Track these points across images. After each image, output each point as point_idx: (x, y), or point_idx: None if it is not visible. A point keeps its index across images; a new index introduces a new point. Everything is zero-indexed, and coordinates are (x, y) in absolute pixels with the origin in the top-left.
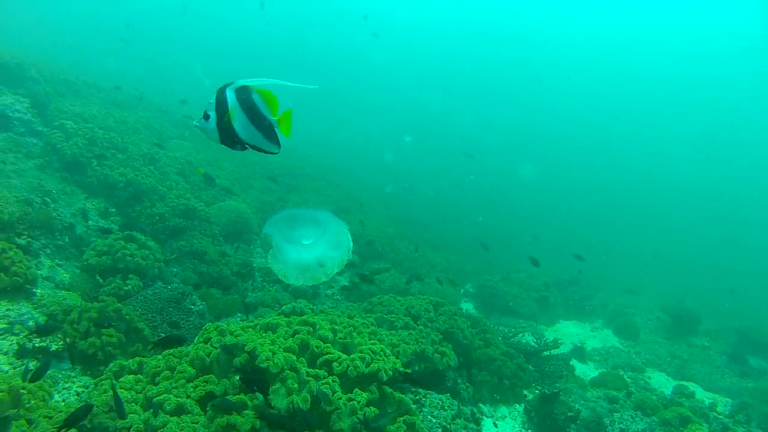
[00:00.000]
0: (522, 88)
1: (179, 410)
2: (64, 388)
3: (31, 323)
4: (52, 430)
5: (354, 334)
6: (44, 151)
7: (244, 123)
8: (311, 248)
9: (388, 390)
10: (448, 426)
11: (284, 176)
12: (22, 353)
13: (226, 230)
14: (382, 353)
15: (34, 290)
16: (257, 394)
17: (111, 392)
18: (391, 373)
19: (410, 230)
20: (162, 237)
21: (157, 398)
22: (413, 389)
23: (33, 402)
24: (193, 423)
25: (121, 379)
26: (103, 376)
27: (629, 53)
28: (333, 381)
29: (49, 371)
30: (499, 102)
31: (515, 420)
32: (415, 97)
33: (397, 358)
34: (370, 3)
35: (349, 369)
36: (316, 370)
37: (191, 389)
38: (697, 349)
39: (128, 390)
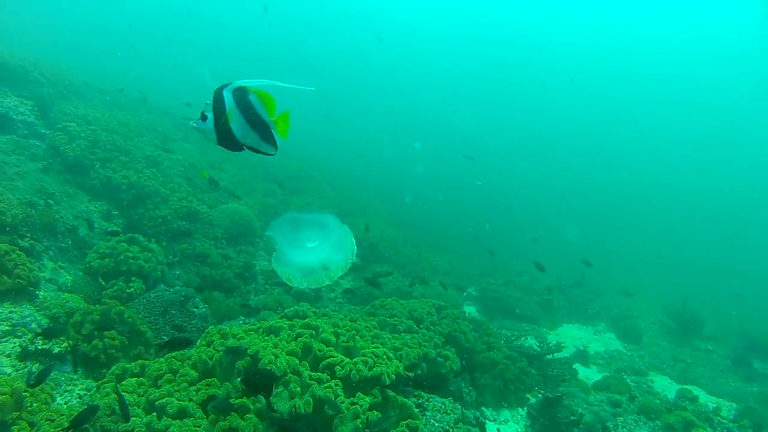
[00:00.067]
0: (522, 88)
1: (181, 413)
2: (66, 391)
3: (33, 326)
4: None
5: (357, 337)
6: (47, 153)
7: (242, 124)
8: (315, 251)
9: (391, 394)
10: (451, 430)
11: (287, 179)
12: (24, 356)
13: (228, 233)
14: (384, 357)
15: (37, 292)
16: (260, 397)
17: (113, 395)
18: (393, 376)
19: (413, 233)
20: (165, 240)
21: (160, 401)
22: (416, 393)
23: (35, 405)
24: (195, 426)
25: (124, 382)
26: (105, 379)
27: (629, 53)
28: (335, 385)
29: (51, 374)
30: (499, 102)
31: (518, 424)
32: (416, 97)
33: (399, 361)
34: (371, 3)
35: (352, 373)
36: (319, 374)
37: (194, 392)
38: (700, 352)
39: (130, 393)
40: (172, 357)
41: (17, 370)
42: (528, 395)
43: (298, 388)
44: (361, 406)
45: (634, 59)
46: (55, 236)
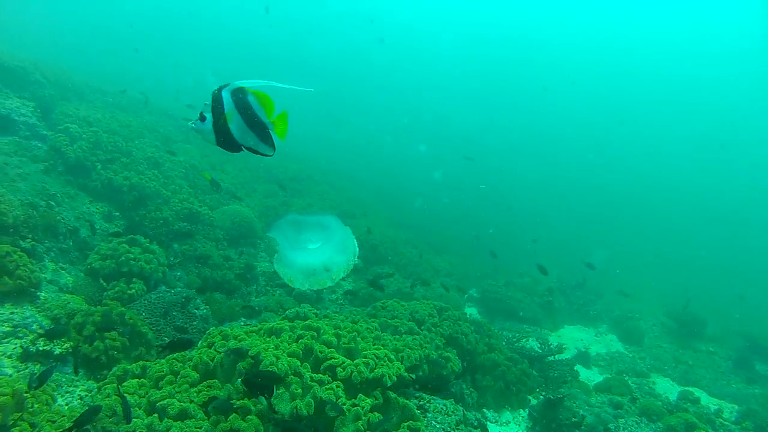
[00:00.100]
0: (522, 88)
1: (183, 415)
2: (67, 392)
3: (35, 327)
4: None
5: (358, 339)
6: (49, 154)
7: (240, 125)
8: (317, 253)
9: (392, 395)
10: (452, 431)
11: (287, 180)
12: (25, 357)
13: (229, 234)
14: (386, 358)
15: (38, 294)
16: (261, 398)
17: (114, 396)
18: (395, 378)
19: (413, 234)
20: (166, 241)
21: (161, 403)
22: (417, 394)
23: (36, 406)
24: (196, 428)
25: (125, 384)
26: (106, 380)
27: (629, 53)
28: (337, 386)
29: (52, 375)
30: (499, 102)
31: (519, 426)
32: (416, 98)
33: (401, 363)
34: (371, 4)
35: (353, 374)
36: (320, 375)
37: (195, 394)
38: (702, 354)
39: (131, 394)
40: (173, 358)
41: (18, 371)
42: (529, 397)
43: (300, 390)
44: (363, 407)
45: (634, 59)
46: (57, 237)
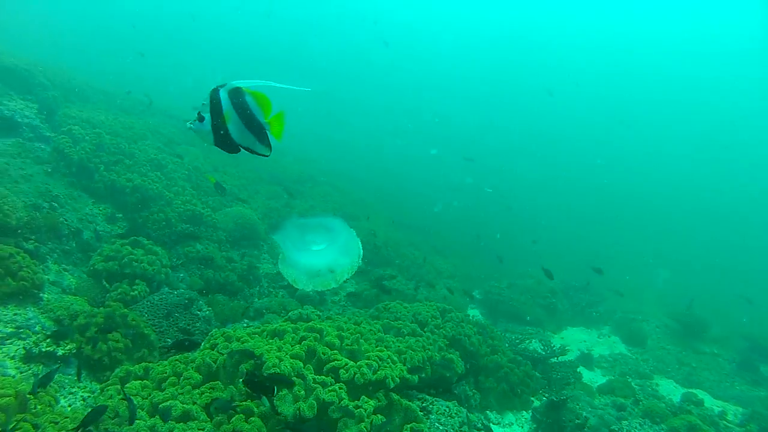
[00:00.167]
0: (522, 89)
1: (185, 417)
2: (70, 393)
3: (37, 328)
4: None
5: (361, 340)
6: (52, 156)
7: (238, 125)
8: (322, 254)
9: (395, 397)
10: None
11: (290, 182)
12: (28, 358)
13: (232, 236)
14: (389, 360)
15: (41, 295)
16: (264, 400)
17: (117, 398)
18: (398, 380)
19: (414, 234)
20: (168, 242)
21: (164, 404)
22: (420, 396)
23: (39, 407)
24: (199, 430)
25: (127, 385)
26: (109, 382)
27: (629, 53)
28: (340, 388)
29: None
30: (499, 103)
31: (522, 427)
32: (416, 98)
33: (404, 365)
34: (371, 4)
35: (356, 376)
36: (323, 377)
37: (197, 396)
38: (705, 356)
39: (134, 396)
40: (176, 360)
41: (21, 372)
42: (532, 398)
43: (303, 392)
44: (366, 409)
45: (635, 59)
46: (60, 239)
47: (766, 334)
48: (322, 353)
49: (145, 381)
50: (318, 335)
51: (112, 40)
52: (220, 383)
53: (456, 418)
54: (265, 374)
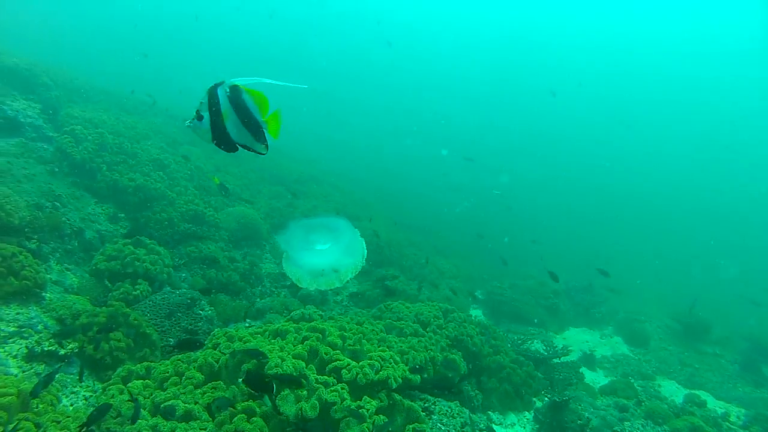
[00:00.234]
0: (522, 89)
1: (187, 416)
2: (72, 392)
3: (40, 327)
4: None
5: (363, 340)
6: (55, 156)
7: (236, 123)
8: (326, 254)
9: (398, 397)
10: None
11: (292, 182)
12: (31, 357)
13: (235, 236)
14: (391, 360)
15: (44, 294)
16: (266, 400)
17: (118, 397)
18: (400, 380)
19: (415, 235)
20: (171, 242)
21: (165, 404)
22: (422, 396)
23: (41, 406)
24: (201, 429)
25: (129, 385)
26: (110, 381)
27: (629, 54)
28: (342, 388)
29: (57, 375)
30: (500, 103)
31: (524, 428)
32: (416, 98)
33: (406, 365)
34: (372, 5)
35: (359, 376)
36: (325, 377)
37: (199, 395)
38: (707, 357)
39: (136, 395)
40: (178, 359)
41: (24, 371)
42: (535, 399)
43: (305, 392)
44: (368, 409)
45: (635, 60)
46: (62, 238)
47: (765, 334)
48: (325, 353)
49: (147, 380)
50: (320, 335)
51: (113, 40)
52: (222, 383)
53: (458, 419)
54: (268, 374)
